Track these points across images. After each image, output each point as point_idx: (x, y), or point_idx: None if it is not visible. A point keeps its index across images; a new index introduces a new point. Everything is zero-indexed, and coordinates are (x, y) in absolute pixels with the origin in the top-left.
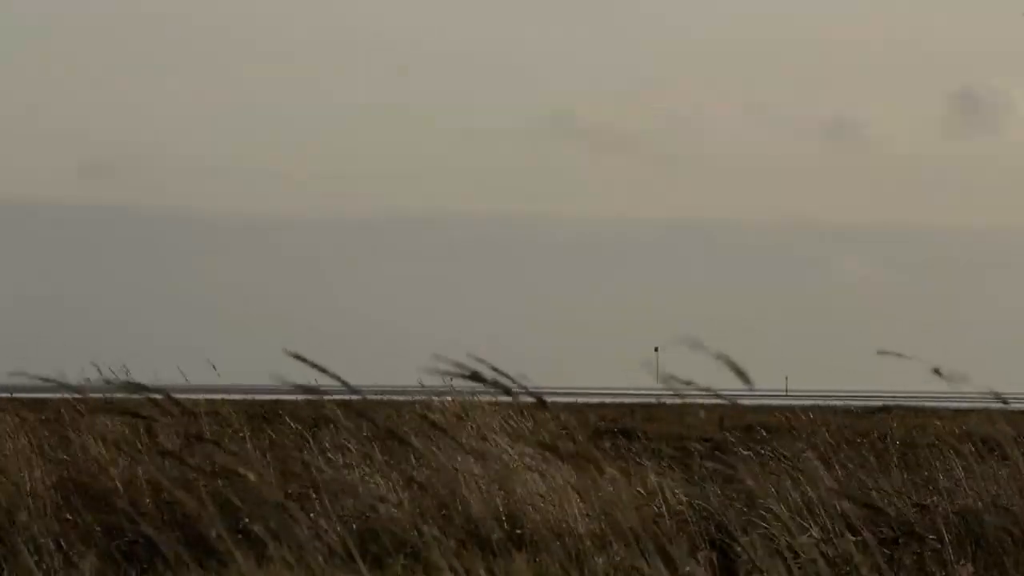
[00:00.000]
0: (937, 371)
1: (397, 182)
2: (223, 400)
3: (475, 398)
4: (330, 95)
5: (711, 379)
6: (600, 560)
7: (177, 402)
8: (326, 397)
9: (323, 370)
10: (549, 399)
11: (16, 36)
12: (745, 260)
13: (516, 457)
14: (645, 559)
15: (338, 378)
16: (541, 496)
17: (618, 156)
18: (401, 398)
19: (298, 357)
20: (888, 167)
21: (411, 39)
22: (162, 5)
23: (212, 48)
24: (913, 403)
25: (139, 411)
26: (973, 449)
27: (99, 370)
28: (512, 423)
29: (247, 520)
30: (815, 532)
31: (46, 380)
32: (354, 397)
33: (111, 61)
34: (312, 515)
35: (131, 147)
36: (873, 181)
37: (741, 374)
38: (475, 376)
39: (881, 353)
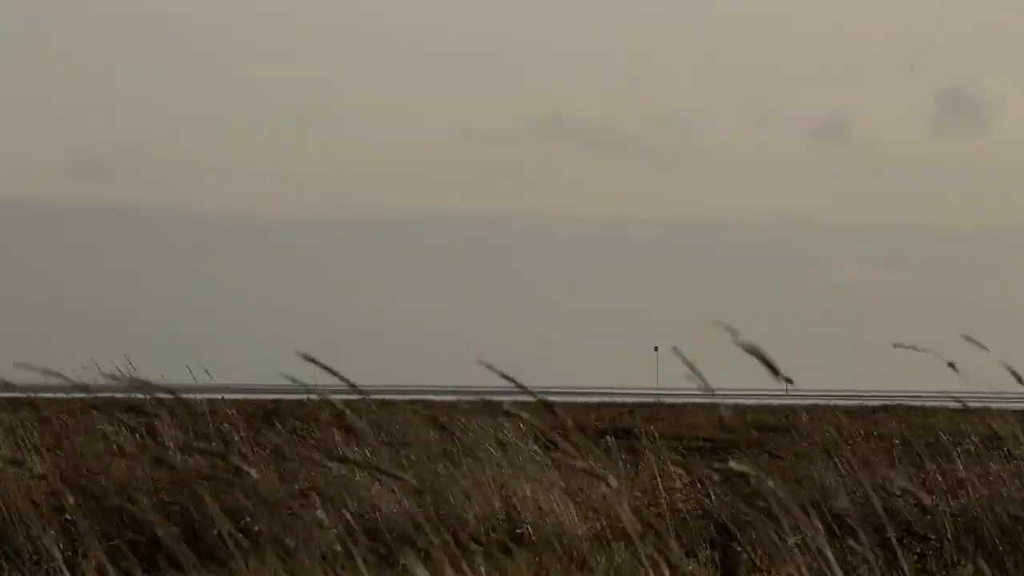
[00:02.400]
0: (951, 365)
1: (397, 182)
2: (223, 399)
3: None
4: (330, 94)
5: (716, 378)
6: (600, 560)
7: (179, 401)
8: (330, 397)
9: (333, 372)
10: (548, 399)
11: (16, 36)
12: (745, 260)
13: (517, 458)
14: (645, 559)
15: (348, 381)
16: (541, 497)
17: (617, 156)
18: (403, 398)
19: (310, 359)
20: (887, 167)
21: (410, 39)
22: (162, 5)
23: (212, 48)
24: (913, 403)
25: (140, 410)
26: (973, 448)
27: (99, 369)
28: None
29: (248, 520)
30: (815, 532)
31: (48, 372)
32: (356, 397)
33: (111, 61)
34: (313, 515)
35: (131, 147)
36: (872, 181)
37: (773, 369)
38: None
39: (897, 346)
